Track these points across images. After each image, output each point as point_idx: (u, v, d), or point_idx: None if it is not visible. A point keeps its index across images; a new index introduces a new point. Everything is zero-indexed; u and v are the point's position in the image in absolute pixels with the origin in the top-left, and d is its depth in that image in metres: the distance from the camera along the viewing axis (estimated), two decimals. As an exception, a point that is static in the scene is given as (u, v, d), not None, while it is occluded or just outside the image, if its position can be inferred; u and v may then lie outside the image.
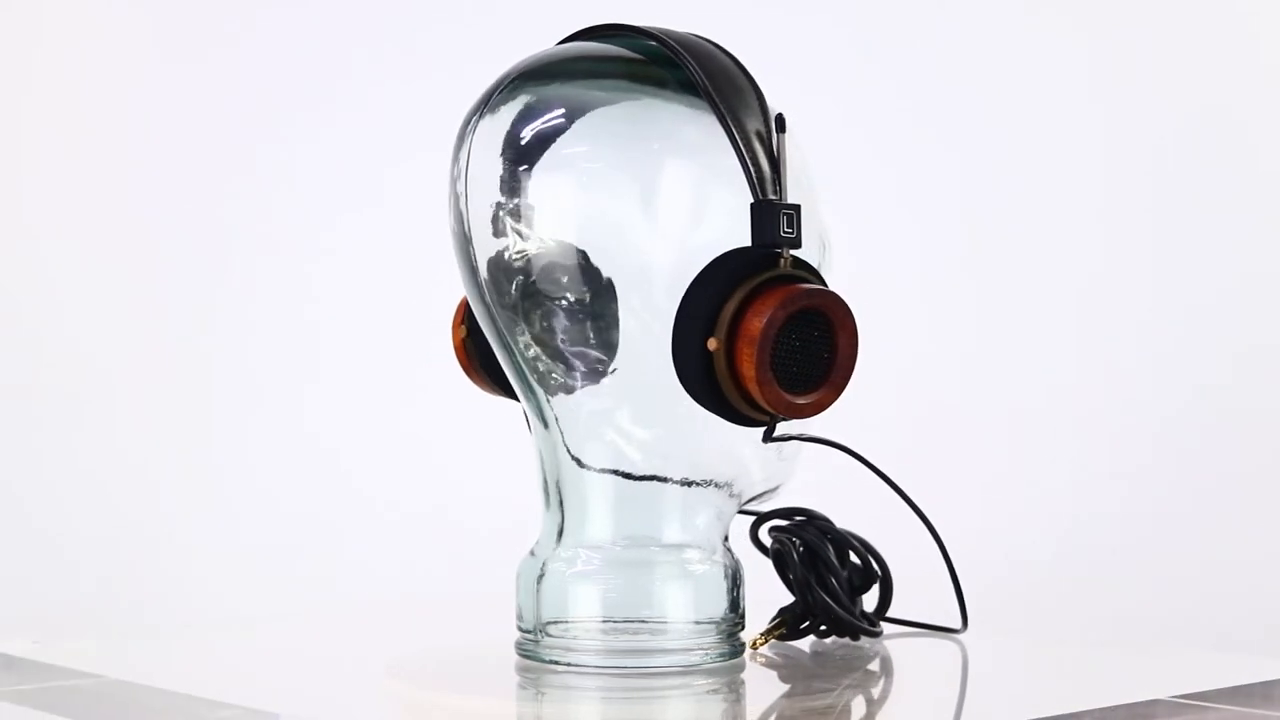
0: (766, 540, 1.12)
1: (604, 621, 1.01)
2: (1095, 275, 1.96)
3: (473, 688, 1.02)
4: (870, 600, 1.12)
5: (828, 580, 1.08)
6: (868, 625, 1.10)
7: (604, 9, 1.17)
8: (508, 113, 1.00)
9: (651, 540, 1.01)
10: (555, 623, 1.01)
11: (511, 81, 1.01)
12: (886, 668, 1.07)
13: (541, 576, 1.01)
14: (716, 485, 1.01)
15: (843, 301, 0.95)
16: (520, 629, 1.03)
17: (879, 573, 1.11)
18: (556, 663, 1.00)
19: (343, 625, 1.24)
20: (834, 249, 1.04)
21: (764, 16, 1.91)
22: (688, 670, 1.00)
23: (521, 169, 0.98)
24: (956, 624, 1.15)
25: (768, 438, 0.97)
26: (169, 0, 1.95)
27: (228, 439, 1.96)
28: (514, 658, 1.03)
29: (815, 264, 0.98)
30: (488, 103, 1.01)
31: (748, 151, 0.95)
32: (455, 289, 1.05)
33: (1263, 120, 1.96)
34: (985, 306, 1.97)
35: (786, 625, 1.09)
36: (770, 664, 1.06)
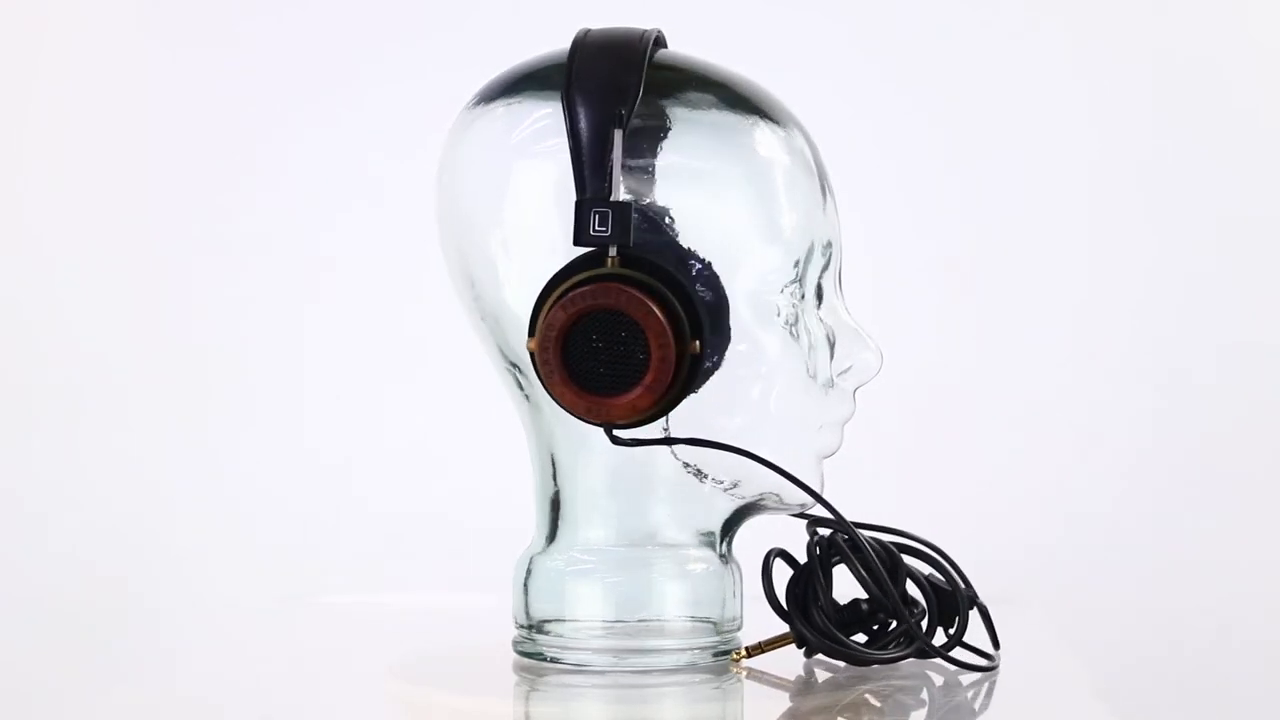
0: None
1: (601, 620, 1.01)
2: (1095, 273, 1.96)
3: (472, 687, 1.02)
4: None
5: (808, 603, 1.02)
6: (866, 654, 1.02)
7: (606, 8, 1.18)
8: (470, 123, 1.02)
9: (649, 539, 1.01)
10: (552, 621, 1.01)
11: (479, 98, 1.02)
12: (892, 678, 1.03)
13: (538, 575, 1.02)
14: (717, 483, 1.01)
15: (643, 301, 0.94)
16: (517, 627, 1.03)
17: (887, 603, 1.02)
18: (554, 661, 1.01)
19: (343, 625, 1.24)
20: (826, 256, 1.02)
21: (766, 14, 1.92)
22: (685, 669, 1.00)
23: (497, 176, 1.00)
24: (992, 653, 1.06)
25: (611, 439, 0.97)
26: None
27: (226, 439, 1.96)
28: (512, 656, 1.03)
29: (779, 278, 0.99)
30: (460, 116, 1.03)
31: (585, 150, 0.95)
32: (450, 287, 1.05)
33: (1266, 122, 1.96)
34: (985, 304, 1.97)
35: (795, 641, 1.03)
36: (766, 667, 1.05)
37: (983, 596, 1.06)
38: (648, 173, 0.98)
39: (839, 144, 1.15)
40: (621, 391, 0.94)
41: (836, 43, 1.97)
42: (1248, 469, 1.91)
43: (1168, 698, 1.83)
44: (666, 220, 0.97)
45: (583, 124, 0.95)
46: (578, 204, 0.94)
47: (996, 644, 1.06)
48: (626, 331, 0.94)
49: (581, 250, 0.95)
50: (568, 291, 0.94)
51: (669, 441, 0.98)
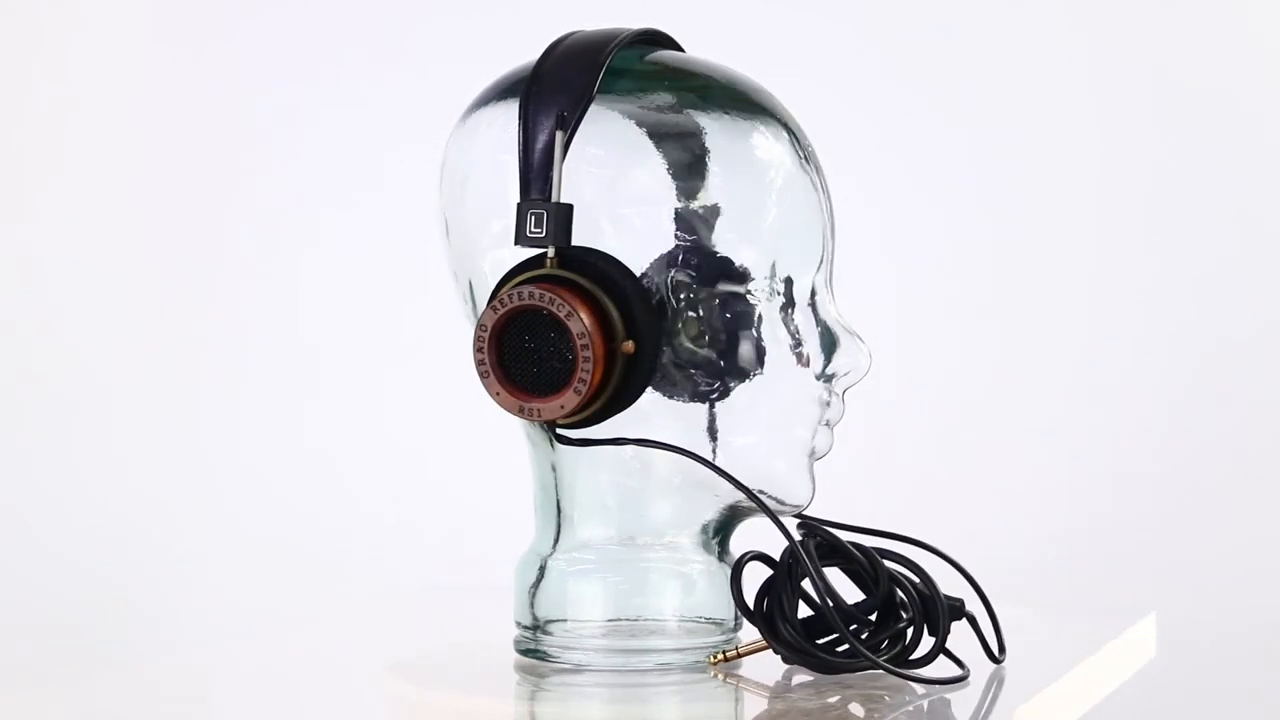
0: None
1: (601, 620, 1.01)
2: (1103, 272, 1.96)
3: (473, 687, 1.02)
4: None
5: (774, 615, 1.00)
6: (837, 662, 0.99)
7: (608, 6, 1.18)
8: (474, 125, 1.02)
9: (648, 539, 1.02)
10: (554, 621, 1.02)
11: (478, 101, 1.03)
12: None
13: (539, 574, 1.02)
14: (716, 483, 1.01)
15: (565, 301, 0.94)
16: (518, 627, 1.03)
17: (844, 611, 0.98)
18: (555, 660, 1.01)
19: (343, 625, 1.24)
20: (817, 254, 1.02)
21: (769, 9, 1.92)
22: (684, 669, 1.00)
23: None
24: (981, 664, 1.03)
25: (557, 438, 0.98)
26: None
27: (225, 441, 1.96)
28: (513, 656, 1.03)
29: (752, 281, 0.98)
30: (460, 119, 1.03)
31: (532, 152, 0.96)
32: (447, 290, 1.05)
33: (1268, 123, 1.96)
34: (987, 304, 1.97)
35: (773, 647, 1.01)
36: (767, 667, 1.05)
37: (991, 598, 1.05)
38: (666, 174, 0.98)
39: (841, 144, 1.15)
40: (553, 392, 0.95)
41: (838, 42, 1.97)
42: (1251, 471, 1.91)
43: (1167, 700, 1.83)
44: (684, 220, 0.98)
45: (532, 126, 0.96)
46: (518, 205, 0.95)
47: (996, 651, 1.05)
48: (555, 332, 0.94)
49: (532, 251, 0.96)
50: (507, 294, 0.95)
51: (617, 442, 0.98)
